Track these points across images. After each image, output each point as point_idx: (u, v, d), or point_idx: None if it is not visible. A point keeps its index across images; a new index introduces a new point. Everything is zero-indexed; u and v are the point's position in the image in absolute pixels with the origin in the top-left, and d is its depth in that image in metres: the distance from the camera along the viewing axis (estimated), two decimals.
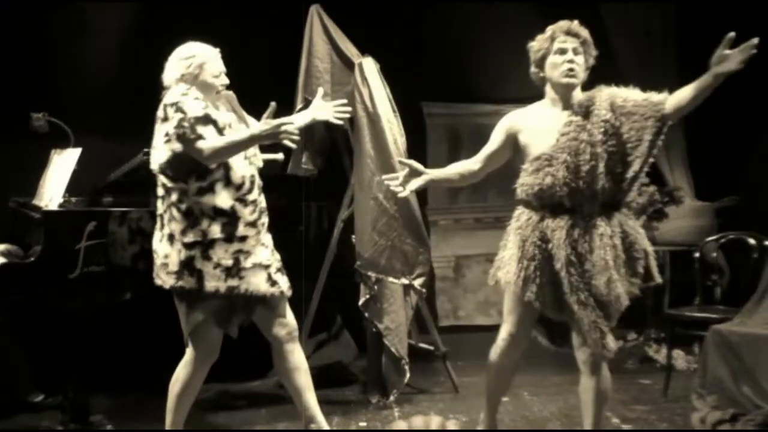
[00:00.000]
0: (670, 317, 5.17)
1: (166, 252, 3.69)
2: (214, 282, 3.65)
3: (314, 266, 5.58)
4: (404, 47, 6.40)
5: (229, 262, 3.67)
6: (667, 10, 6.64)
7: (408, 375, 5.07)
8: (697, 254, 5.36)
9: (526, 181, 3.61)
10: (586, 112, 3.56)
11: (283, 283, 3.82)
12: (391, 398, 5.07)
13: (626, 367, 5.79)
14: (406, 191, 3.70)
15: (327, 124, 4.61)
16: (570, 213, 3.53)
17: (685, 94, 3.50)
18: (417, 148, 5.77)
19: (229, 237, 3.67)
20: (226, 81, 3.85)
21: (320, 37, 5.22)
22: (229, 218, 3.67)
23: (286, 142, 3.69)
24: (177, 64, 3.78)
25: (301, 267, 5.96)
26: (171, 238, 3.68)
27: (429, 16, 6.67)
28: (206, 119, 3.62)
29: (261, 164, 3.88)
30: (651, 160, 3.55)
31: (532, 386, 5.28)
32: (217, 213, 3.66)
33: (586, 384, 3.62)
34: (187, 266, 3.65)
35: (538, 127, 3.63)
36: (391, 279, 5.10)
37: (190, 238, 3.65)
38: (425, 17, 6.66)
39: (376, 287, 5.10)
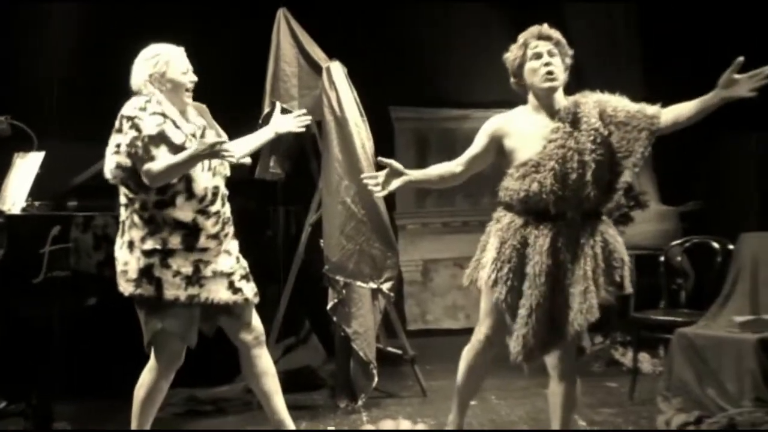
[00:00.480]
0: (635, 321, 5.19)
1: (126, 259, 3.65)
2: (173, 290, 3.61)
3: (282, 270, 5.56)
4: (372, 51, 6.40)
5: (189, 271, 3.64)
6: (629, 10, 6.69)
7: (376, 379, 5.06)
8: (662, 258, 5.40)
9: (511, 186, 3.57)
10: (573, 118, 3.53)
11: (248, 290, 3.79)
12: (360, 402, 5.06)
13: (592, 370, 5.81)
14: (385, 191, 3.62)
15: None
16: (554, 220, 3.51)
17: (684, 111, 3.48)
18: (385, 153, 5.67)
19: (190, 248, 3.64)
20: (195, 78, 3.80)
21: (287, 41, 5.20)
22: (191, 230, 3.64)
23: (229, 160, 3.66)
24: (143, 65, 3.74)
25: (270, 271, 5.96)
26: (131, 245, 3.64)
27: (397, 20, 6.67)
28: (160, 138, 3.56)
29: (228, 173, 3.84)
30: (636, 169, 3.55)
31: (500, 390, 5.28)
32: (178, 225, 3.63)
33: (555, 388, 3.64)
34: (146, 274, 3.61)
35: (524, 132, 3.59)
36: (359, 283, 5.09)
37: (149, 245, 3.62)
38: (393, 21, 6.67)
39: (344, 291, 5.09)
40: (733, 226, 5.55)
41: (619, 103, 3.53)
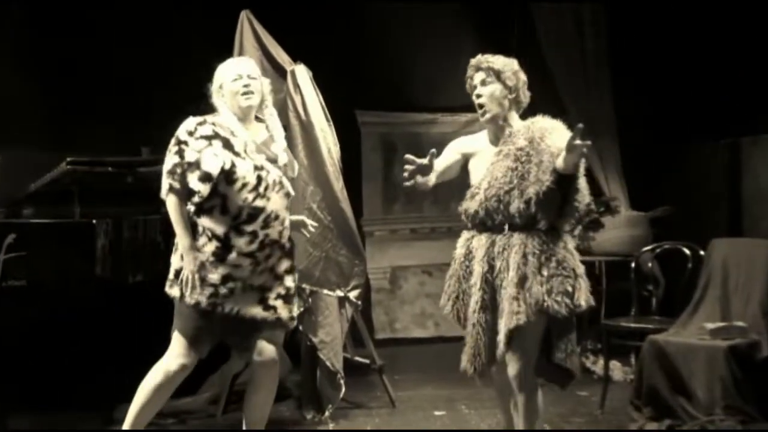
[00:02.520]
0: (606, 328, 5.21)
1: (172, 260, 3.84)
2: (195, 295, 3.73)
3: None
4: (337, 54, 6.39)
5: (216, 280, 3.74)
6: (597, 11, 6.75)
7: (344, 389, 5.04)
8: (633, 264, 5.44)
9: (463, 205, 3.82)
10: (512, 142, 3.74)
11: (283, 310, 3.85)
12: (327, 414, 5.04)
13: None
14: (411, 183, 3.71)
15: None
16: (490, 231, 3.72)
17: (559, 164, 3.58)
18: (351, 158, 5.76)
19: (221, 260, 3.76)
20: (248, 82, 3.90)
21: (251, 44, 5.17)
22: (223, 244, 3.76)
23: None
24: (214, 80, 3.95)
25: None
26: (176, 247, 3.82)
27: (363, 23, 6.67)
28: (196, 165, 3.72)
29: (289, 192, 3.92)
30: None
31: (470, 399, 5.29)
32: (213, 236, 3.76)
33: (517, 399, 3.71)
34: (178, 275, 3.77)
35: (479, 156, 3.84)
36: (325, 291, 5.08)
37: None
38: (359, 24, 6.66)
39: (310, 300, 5.07)
40: (704, 231, 5.60)
41: (554, 140, 3.63)
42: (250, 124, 3.94)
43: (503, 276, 3.64)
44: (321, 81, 5.19)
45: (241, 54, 5.14)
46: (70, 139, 5.69)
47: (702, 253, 5.13)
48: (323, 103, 5.15)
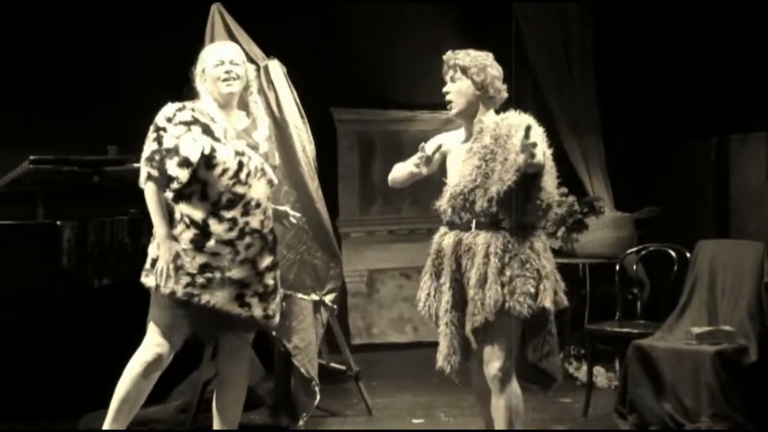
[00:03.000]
0: (590, 333, 5.22)
1: (149, 249, 3.87)
2: (171, 284, 3.75)
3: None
4: (313, 50, 6.37)
5: (194, 269, 3.77)
6: (584, 11, 6.77)
7: (318, 397, 5.02)
8: (617, 267, 5.45)
9: (439, 202, 3.91)
10: (480, 138, 3.81)
11: (258, 309, 3.87)
12: (301, 422, 5.02)
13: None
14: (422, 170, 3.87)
15: None
16: (459, 229, 3.81)
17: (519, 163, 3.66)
18: (327, 156, 5.74)
19: (199, 248, 3.78)
20: (230, 68, 3.94)
21: (222, 38, 5.09)
22: (201, 231, 3.79)
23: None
24: (197, 64, 3.98)
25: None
26: (152, 235, 3.85)
27: (339, 17, 6.65)
28: (174, 151, 3.76)
29: (272, 180, 3.98)
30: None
31: (449, 407, 5.28)
32: (191, 223, 3.79)
33: (495, 402, 3.75)
34: (154, 264, 3.80)
35: (454, 153, 3.91)
36: (300, 295, 5.05)
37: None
38: (335, 18, 6.65)
39: (284, 304, 4.95)
40: (690, 233, 5.63)
41: (518, 139, 3.63)
42: (232, 111, 3.99)
43: (469, 275, 3.74)
44: (295, 77, 5.16)
45: None
46: (33, 137, 5.64)
47: (688, 255, 5.14)
48: (298, 100, 5.12)
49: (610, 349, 5.27)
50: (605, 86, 6.74)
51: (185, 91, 3.96)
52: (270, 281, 3.92)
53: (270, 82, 5.05)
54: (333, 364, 5.46)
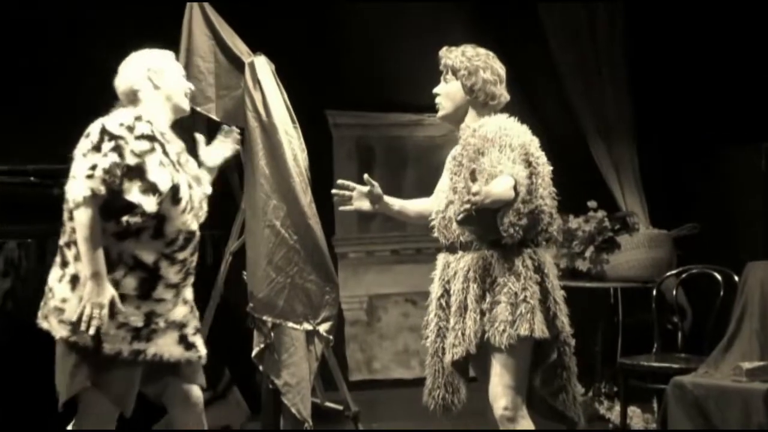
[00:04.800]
0: (623, 368, 5.24)
1: (65, 296, 3.62)
2: (116, 344, 3.59)
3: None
4: (305, 45, 6.37)
5: (139, 322, 3.63)
6: (615, 9, 6.79)
7: None
8: (654, 292, 5.47)
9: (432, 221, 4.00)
10: (460, 146, 3.90)
11: (202, 347, 3.83)
12: None
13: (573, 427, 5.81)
14: (352, 208, 4.11)
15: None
16: (447, 251, 3.92)
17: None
18: (321, 166, 5.74)
19: (144, 295, 3.64)
20: (190, 85, 3.95)
21: (202, 31, 5.17)
22: (150, 275, 3.65)
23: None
24: (136, 68, 3.81)
25: None
26: (75, 280, 3.60)
27: (335, 10, 6.65)
28: (138, 172, 3.54)
29: (203, 216, 3.89)
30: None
31: None
32: (137, 265, 3.62)
33: None
34: (63, 309, 3.60)
35: (447, 163, 4.01)
36: (290, 324, 5.04)
37: None
38: (330, 10, 6.65)
39: (272, 334, 5.04)
40: (738, 253, 5.63)
41: (493, 159, 3.66)
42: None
43: (450, 303, 3.84)
44: (285, 75, 5.17)
45: (190, 44, 5.12)
46: None
47: (736, 278, 5.14)
48: (288, 102, 5.14)
49: (647, 386, 5.24)
50: (639, 87, 6.75)
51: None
52: (197, 312, 3.88)
53: (256, 81, 5.06)
54: (328, 404, 5.45)
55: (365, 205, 4.08)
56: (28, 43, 6.03)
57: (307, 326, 5.07)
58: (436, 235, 3.93)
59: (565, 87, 6.76)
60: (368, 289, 7.09)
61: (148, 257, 3.62)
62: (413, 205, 4.17)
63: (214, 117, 5.14)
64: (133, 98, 3.76)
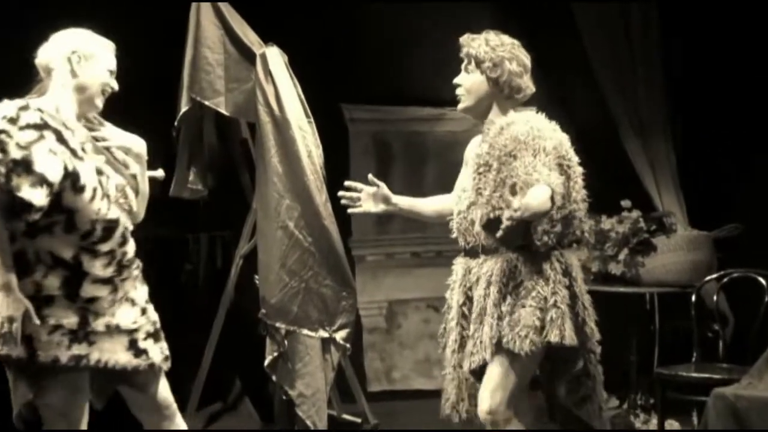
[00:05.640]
0: (660, 378, 5.22)
1: None
2: (51, 350, 3.52)
3: (206, 315, 5.55)
4: (319, 35, 6.36)
5: (73, 323, 3.56)
6: (649, 9, 6.78)
7: None
8: (693, 297, 5.43)
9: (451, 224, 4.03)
10: (485, 144, 3.87)
11: (155, 352, 3.73)
12: None
13: None
14: (361, 210, 4.11)
15: (220, 132, 4.54)
16: (468, 255, 3.93)
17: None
18: (337, 162, 5.74)
19: (72, 294, 3.56)
20: (115, 85, 3.75)
21: (211, 21, 5.22)
22: (72, 271, 3.57)
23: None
24: (58, 49, 3.66)
25: (190, 316, 5.88)
26: None
27: None
28: (24, 165, 3.43)
29: (134, 207, 3.77)
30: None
31: None
32: (56, 262, 3.55)
33: None
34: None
35: (469, 158, 4.02)
36: (305, 331, 5.09)
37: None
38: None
39: (286, 342, 5.08)
40: None
41: (526, 162, 3.67)
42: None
43: (472, 310, 3.85)
44: (299, 67, 5.18)
45: (198, 35, 5.13)
46: None
47: None
48: (302, 95, 5.17)
49: (686, 398, 5.20)
50: (676, 80, 6.71)
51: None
52: (154, 315, 3.79)
53: (268, 73, 5.10)
54: (345, 416, 5.49)
55: (375, 206, 4.10)
56: None
57: (323, 333, 5.11)
58: (455, 236, 3.93)
59: (596, 79, 6.73)
60: (387, 294, 7.08)
61: (66, 252, 3.55)
62: (431, 204, 4.18)
63: (223, 111, 5.17)
64: (46, 75, 3.66)
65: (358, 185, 4.09)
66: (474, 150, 3.97)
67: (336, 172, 5.28)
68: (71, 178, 3.49)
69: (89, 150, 3.62)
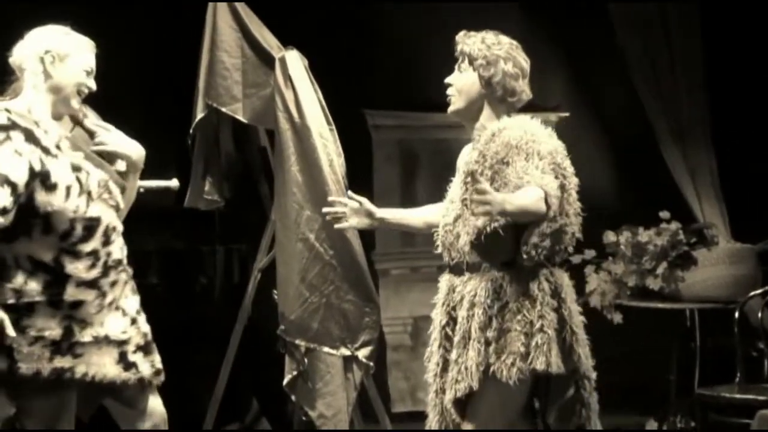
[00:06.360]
0: (702, 400, 5.21)
1: None
2: (32, 362, 3.53)
3: (222, 332, 5.54)
4: (341, 38, 6.37)
5: (57, 334, 3.57)
6: (688, 10, 6.77)
7: None
8: (736, 314, 5.39)
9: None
10: (476, 150, 3.79)
11: (145, 366, 3.74)
12: None
13: None
14: (347, 225, 4.07)
15: (237, 139, 4.54)
16: (452, 272, 3.84)
17: None
18: (360, 171, 5.73)
19: (55, 301, 3.57)
20: (93, 85, 3.73)
21: (228, 23, 5.22)
22: (53, 275, 3.57)
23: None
24: (31, 49, 3.66)
25: (205, 332, 5.88)
26: None
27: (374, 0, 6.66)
28: None
29: (119, 203, 3.76)
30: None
31: None
32: (37, 266, 3.57)
33: None
34: None
35: (458, 168, 3.96)
36: (326, 349, 5.08)
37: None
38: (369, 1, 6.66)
39: (306, 360, 5.08)
40: None
41: (519, 169, 3.60)
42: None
43: (455, 332, 3.76)
44: (319, 71, 5.18)
45: (214, 38, 5.15)
46: None
47: None
48: (323, 101, 5.16)
49: (729, 420, 5.17)
50: (717, 83, 6.69)
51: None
52: (145, 327, 3.79)
53: (287, 78, 5.10)
54: None
55: (360, 222, 4.05)
56: None
57: (345, 351, 5.10)
58: (439, 251, 3.86)
59: (632, 82, 6.72)
60: (412, 309, 7.07)
61: (46, 255, 3.56)
62: (420, 215, 4.12)
63: (240, 118, 5.17)
64: (20, 75, 3.67)
65: (342, 200, 4.10)
66: (462, 157, 3.93)
67: (359, 182, 5.27)
68: (40, 177, 3.50)
69: (65, 147, 3.61)
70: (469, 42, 3.81)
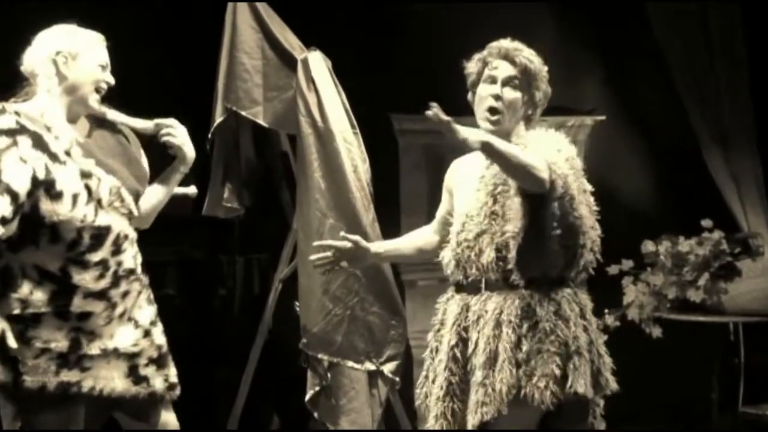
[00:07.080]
0: (746, 418, 5.30)
1: None
2: (38, 375, 3.55)
3: (242, 345, 5.56)
4: (366, 39, 6.39)
5: (63, 346, 3.58)
6: (728, 11, 6.77)
7: None
8: None
9: (442, 254, 3.94)
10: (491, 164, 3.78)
11: (158, 380, 3.76)
12: None
13: None
14: (333, 271, 4.22)
15: (258, 144, 4.55)
16: (465, 290, 3.82)
17: None
18: (386, 178, 5.73)
19: (62, 312, 3.59)
20: (111, 79, 3.77)
21: (248, 24, 5.24)
22: (60, 285, 3.59)
23: None
24: (41, 50, 3.70)
25: (224, 346, 5.90)
26: None
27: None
28: None
29: (132, 210, 3.78)
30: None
31: None
32: (43, 276, 3.59)
33: None
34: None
35: (465, 182, 3.93)
36: (350, 363, 5.11)
37: (4, 308, 3.56)
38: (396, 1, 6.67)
39: (329, 375, 5.09)
40: None
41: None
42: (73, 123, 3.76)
43: (477, 353, 3.70)
44: (343, 73, 5.20)
45: (234, 39, 5.16)
46: None
47: None
48: (347, 104, 5.17)
49: None
50: (762, 85, 6.67)
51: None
52: (160, 339, 3.81)
53: (310, 80, 5.11)
54: None
55: (355, 264, 4.12)
56: None
57: (370, 366, 5.12)
58: (451, 269, 3.84)
59: (673, 85, 6.71)
60: None
61: (52, 265, 3.58)
62: (409, 242, 4.19)
63: (261, 122, 5.19)
64: (32, 80, 3.70)
65: (331, 243, 4.12)
66: (473, 172, 3.88)
67: (384, 189, 5.30)
68: (44, 185, 3.52)
69: (75, 153, 3.63)
70: (529, 58, 3.79)
